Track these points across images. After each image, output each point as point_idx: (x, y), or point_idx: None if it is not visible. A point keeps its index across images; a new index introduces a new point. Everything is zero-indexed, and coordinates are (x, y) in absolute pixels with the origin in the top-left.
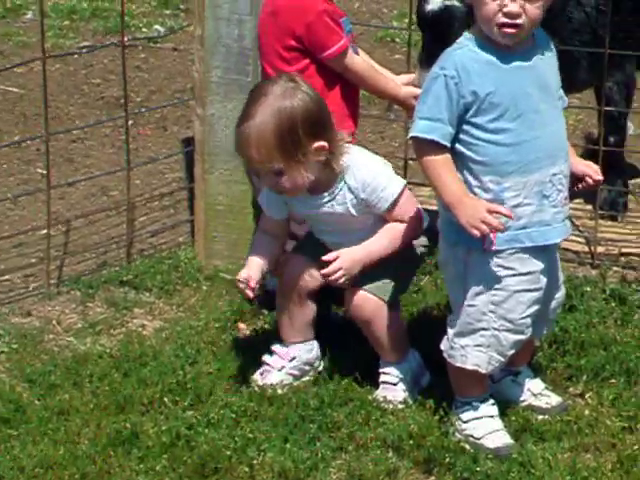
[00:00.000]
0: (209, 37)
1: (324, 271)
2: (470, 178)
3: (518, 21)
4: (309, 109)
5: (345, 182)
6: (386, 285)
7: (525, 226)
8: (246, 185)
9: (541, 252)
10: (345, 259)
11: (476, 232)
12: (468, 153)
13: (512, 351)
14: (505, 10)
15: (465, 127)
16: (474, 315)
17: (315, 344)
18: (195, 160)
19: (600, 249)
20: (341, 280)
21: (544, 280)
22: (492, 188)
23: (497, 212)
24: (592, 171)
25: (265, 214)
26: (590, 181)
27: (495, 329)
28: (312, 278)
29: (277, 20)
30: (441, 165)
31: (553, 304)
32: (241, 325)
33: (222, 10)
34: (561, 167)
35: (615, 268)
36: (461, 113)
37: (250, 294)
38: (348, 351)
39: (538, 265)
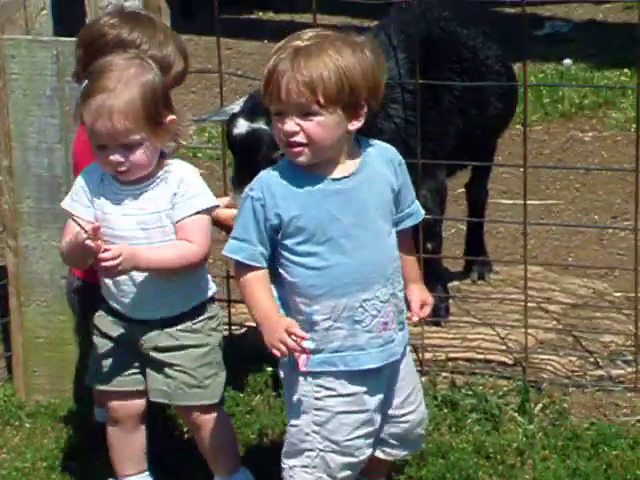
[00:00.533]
0: (18, 167)
1: (102, 255)
2: (287, 298)
3: (296, 139)
4: (163, 82)
5: (166, 171)
6: (217, 385)
7: (338, 349)
8: (65, 315)
9: (362, 375)
10: (126, 249)
11: (276, 352)
12: (283, 273)
13: (344, 473)
14: (283, 129)
15: (278, 248)
16: (298, 435)
17: (147, 476)
18: (10, 293)
19: (427, 355)
20: (115, 270)
21: (372, 401)
22: (304, 310)
23: (293, 334)
24: (416, 307)
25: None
26: (412, 316)
27: (320, 450)
28: (137, 401)
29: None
30: (252, 283)
31: (406, 426)
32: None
33: (30, 139)
34: (376, 293)
35: (444, 374)
36: (271, 234)
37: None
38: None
39: (361, 387)
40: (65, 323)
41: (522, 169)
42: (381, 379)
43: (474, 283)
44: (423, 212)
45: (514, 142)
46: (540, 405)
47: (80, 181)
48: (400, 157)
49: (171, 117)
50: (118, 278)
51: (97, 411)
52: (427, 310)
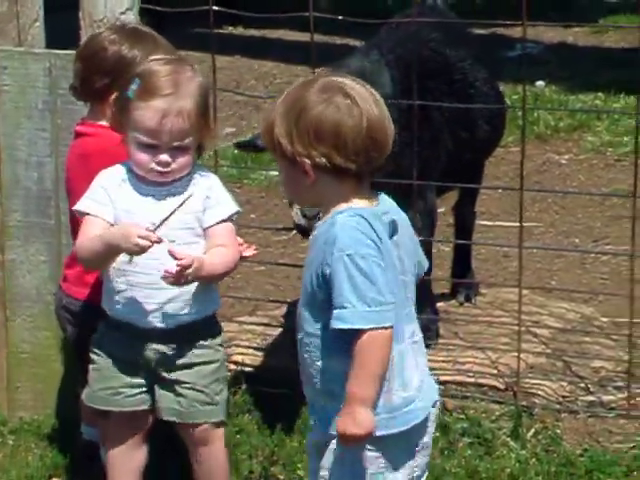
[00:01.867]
0: (6, 180)
1: (181, 263)
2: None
3: None
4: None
5: (194, 175)
6: (224, 401)
7: None
8: (51, 331)
9: None
10: (197, 259)
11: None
12: None
13: None
14: None
15: None
16: None
17: None
18: None
19: None
20: (184, 279)
21: None
22: None
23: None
24: None
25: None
26: None
27: None
28: (142, 420)
29: (88, 164)
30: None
31: None
32: None
33: (20, 153)
34: None
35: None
36: None
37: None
38: None
39: None
40: (50, 339)
41: (504, 191)
42: None
43: (461, 305)
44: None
45: (489, 163)
46: (533, 430)
47: (99, 182)
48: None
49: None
50: (132, 282)
51: (85, 429)
52: None
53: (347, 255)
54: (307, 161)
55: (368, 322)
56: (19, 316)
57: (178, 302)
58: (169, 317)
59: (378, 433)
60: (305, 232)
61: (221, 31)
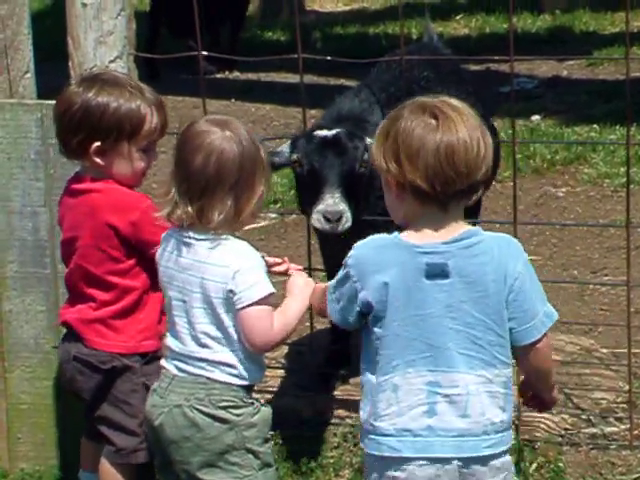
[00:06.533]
0: (1, 231)
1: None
2: None
3: None
4: None
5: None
6: None
7: None
8: (50, 381)
9: None
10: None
11: None
12: None
13: None
14: None
15: None
16: None
17: None
18: None
19: None
20: None
21: None
22: None
23: None
24: None
25: None
26: None
27: None
28: None
29: (96, 219)
30: None
31: None
32: None
33: (14, 203)
34: None
35: None
36: None
37: None
38: None
39: None
40: (49, 389)
41: (501, 225)
42: None
43: None
44: None
45: (487, 197)
46: (535, 464)
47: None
48: None
49: None
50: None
51: (83, 475)
52: None
53: None
54: None
55: None
56: (18, 367)
57: None
58: None
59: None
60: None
61: (218, 76)
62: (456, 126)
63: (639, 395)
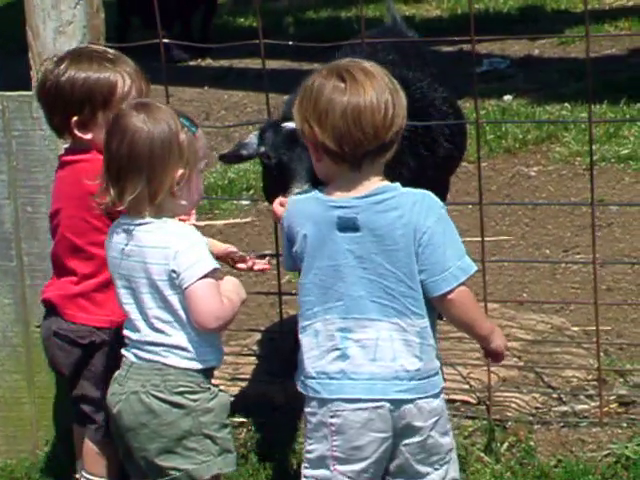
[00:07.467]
0: None
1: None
2: None
3: None
4: None
5: None
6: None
7: None
8: (20, 374)
9: None
10: None
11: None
12: None
13: None
14: None
15: None
16: None
17: None
18: None
19: None
20: None
21: None
22: None
23: None
24: None
25: None
26: None
27: None
28: None
29: (81, 189)
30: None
31: None
32: None
33: None
34: None
35: None
36: None
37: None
38: None
39: None
40: (18, 382)
41: (474, 207)
42: None
43: None
44: None
45: (460, 179)
46: (506, 444)
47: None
48: None
49: None
50: None
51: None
52: None
53: None
54: None
55: None
56: None
57: None
58: None
59: None
60: None
61: (191, 63)
62: (364, 88)
63: (609, 372)
